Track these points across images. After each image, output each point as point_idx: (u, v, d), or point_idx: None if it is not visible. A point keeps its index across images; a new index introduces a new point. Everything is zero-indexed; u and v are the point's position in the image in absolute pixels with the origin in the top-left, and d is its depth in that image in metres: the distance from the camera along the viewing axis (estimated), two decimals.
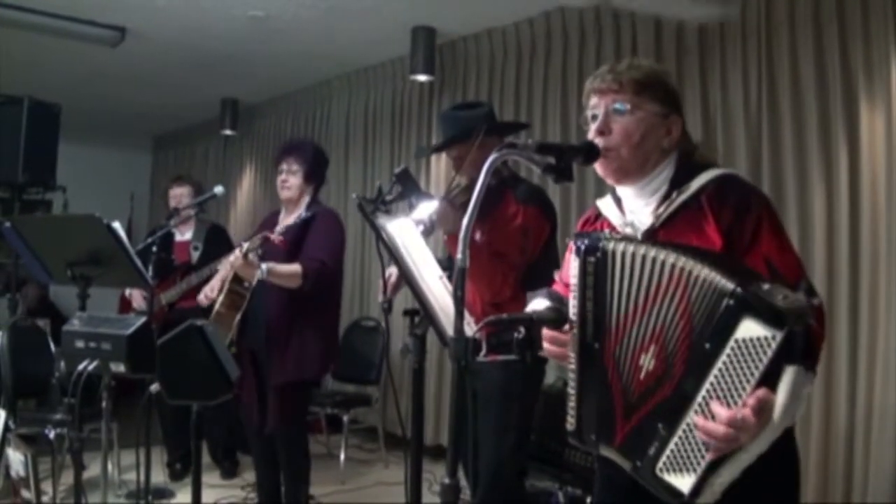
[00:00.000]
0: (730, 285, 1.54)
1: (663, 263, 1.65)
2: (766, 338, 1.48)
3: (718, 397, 1.54)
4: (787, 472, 1.79)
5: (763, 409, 1.49)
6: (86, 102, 7.60)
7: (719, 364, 1.54)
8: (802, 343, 1.50)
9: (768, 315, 1.48)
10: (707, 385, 1.56)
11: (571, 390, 1.82)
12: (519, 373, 2.93)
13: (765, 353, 1.48)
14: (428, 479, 4.43)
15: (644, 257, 1.68)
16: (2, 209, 5.64)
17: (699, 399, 1.57)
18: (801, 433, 1.84)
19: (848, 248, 3.80)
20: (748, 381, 1.50)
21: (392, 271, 2.90)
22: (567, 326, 1.82)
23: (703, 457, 1.56)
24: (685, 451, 1.59)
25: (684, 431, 1.59)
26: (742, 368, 1.51)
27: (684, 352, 1.62)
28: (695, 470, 1.57)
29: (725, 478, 1.55)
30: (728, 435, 1.50)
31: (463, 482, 1.91)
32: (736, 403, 1.51)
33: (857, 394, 3.74)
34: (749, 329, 1.50)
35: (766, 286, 1.52)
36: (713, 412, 1.53)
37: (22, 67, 6.62)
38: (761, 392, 1.49)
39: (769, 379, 1.49)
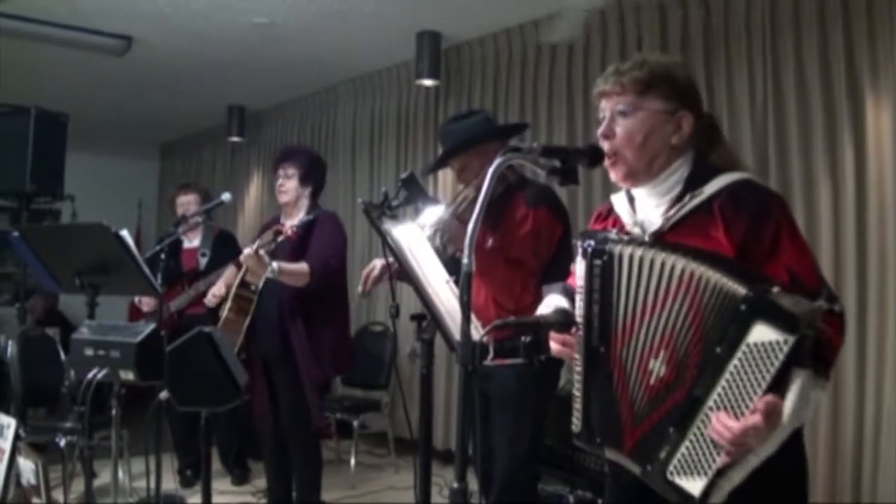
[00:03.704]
0: (742, 290, 1.54)
1: (672, 268, 1.64)
2: (777, 342, 1.48)
3: (729, 400, 1.55)
4: (794, 474, 1.78)
5: (772, 415, 1.49)
6: (93, 111, 7.63)
7: (730, 368, 1.54)
8: (812, 347, 1.51)
9: (782, 320, 1.48)
10: (718, 389, 1.56)
11: (577, 392, 1.82)
12: (532, 378, 2.92)
13: (776, 357, 1.48)
14: (438, 484, 4.42)
15: (652, 261, 1.67)
16: (10, 219, 5.66)
17: (710, 403, 1.57)
18: (809, 435, 1.84)
19: (855, 247, 3.80)
20: (759, 384, 1.50)
21: (376, 263, 2.94)
22: (574, 329, 1.82)
23: (714, 460, 1.56)
24: (696, 454, 1.59)
25: (695, 435, 1.60)
26: (753, 372, 1.52)
27: (696, 357, 1.61)
28: (706, 473, 1.57)
29: (735, 480, 1.56)
30: (739, 439, 1.51)
31: (473, 486, 1.91)
32: (747, 406, 1.51)
33: (866, 394, 3.73)
34: (761, 333, 1.50)
35: (775, 289, 1.52)
36: (724, 424, 1.53)
37: (29, 77, 6.65)
38: (770, 398, 1.49)
39: (778, 382, 1.49)
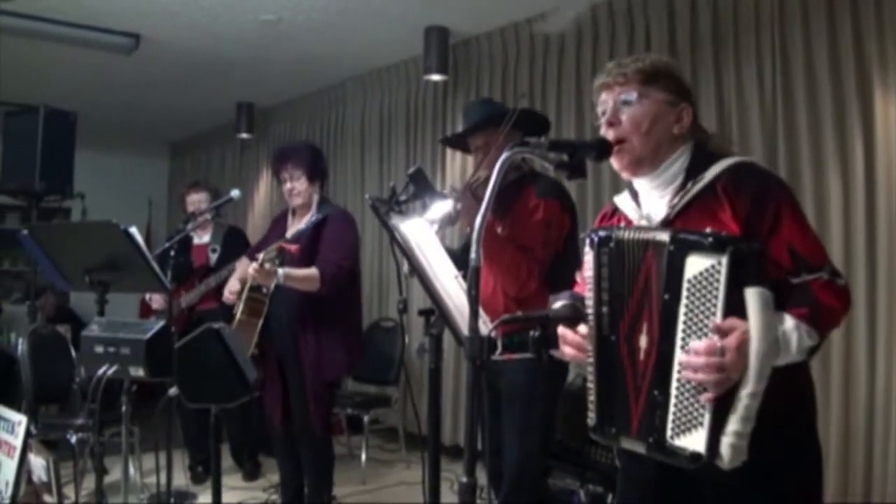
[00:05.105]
0: (665, 235, 1.62)
1: (648, 243, 1.68)
2: (713, 266, 1.53)
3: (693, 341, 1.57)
4: (809, 464, 1.78)
5: (735, 329, 1.52)
6: (102, 110, 7.65)
7: (682, 310, 1.58)
8: (755, 264, 1.54)
9: (708, 245, 1.54)
10: (679, 335, 1.59)
11: (591, 385, 1.82)
12: (542, 372, 2.91)
13: (717, 280, 1.52)
14: (448, 479, 4.42)
15: (640, 241, 1.71)
16: (20, 217, 5.67)
17: (677, 351, 1.60)
18: (821, 427, 1.83)
19: (864, 237, 3.78)
20: (713, 314, 1.53)
21: None
22: (583, 325, 1.82)
23: (703, 407, 1.56)
24: (685, 408, 1.59)
25: (677, 389, 1.60)
26: (703, 305, 1.55)
27: (657, 315, 1.65)
28: (701, 424, 1.57)
29: (737, 426, 1.54)
30: (710, 363, 1.52)
31: (482, 481, 1.90)
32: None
33: (876, 383, 3.71)
34: (695, 264, 1.56)
35: (707, 230, 1.59)
36: (691, 349, 1.56)
37: (37, 76, 6.67)
38: (730, 318, 1.52)
39: (735, 309, 1.52)
